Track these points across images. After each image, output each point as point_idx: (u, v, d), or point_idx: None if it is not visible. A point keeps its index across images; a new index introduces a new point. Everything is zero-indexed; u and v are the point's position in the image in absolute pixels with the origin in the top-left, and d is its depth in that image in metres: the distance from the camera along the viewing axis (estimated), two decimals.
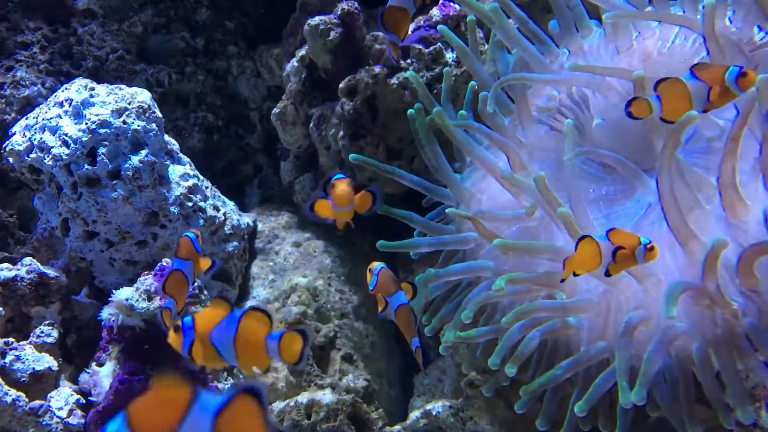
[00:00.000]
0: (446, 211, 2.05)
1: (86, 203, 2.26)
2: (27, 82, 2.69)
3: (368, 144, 2.48)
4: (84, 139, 2.24)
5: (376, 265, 1.76)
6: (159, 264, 2.14)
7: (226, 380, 2.16)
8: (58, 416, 2.02)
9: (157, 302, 2.06)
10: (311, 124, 2.62)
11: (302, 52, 2.64)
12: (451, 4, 2.48)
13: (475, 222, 1.93)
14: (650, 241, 1.52)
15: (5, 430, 1.97)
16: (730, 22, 1.89)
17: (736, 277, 1.57)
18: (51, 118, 2.28)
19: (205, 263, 1.88)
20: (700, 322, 1.62)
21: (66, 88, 2.36)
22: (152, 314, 2.05)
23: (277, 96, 2.85)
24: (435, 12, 2.50)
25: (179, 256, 1.84)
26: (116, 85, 2.37)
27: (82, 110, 2.27)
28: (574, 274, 1.58)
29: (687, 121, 1.60)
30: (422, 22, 2.51)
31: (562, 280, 1.63)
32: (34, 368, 2.06)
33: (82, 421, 2.05)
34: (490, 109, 2.08)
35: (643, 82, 1.79)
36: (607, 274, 1.56)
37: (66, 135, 2.24)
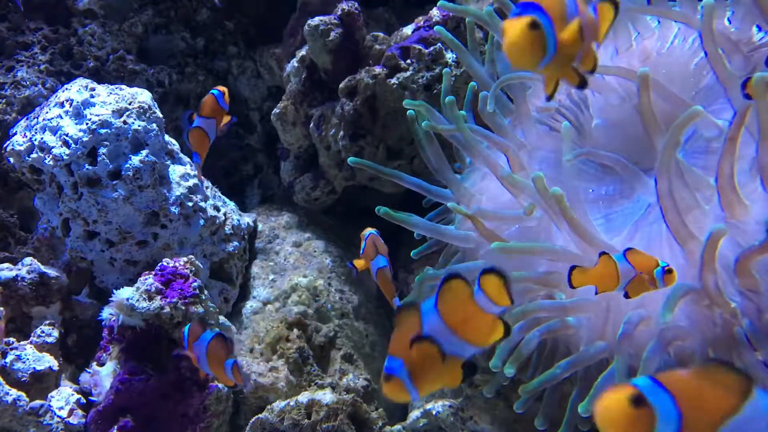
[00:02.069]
0: (448, 205, 2.05)
1: (87, 203, 2.26)
2: (27, 83, 2.69)
3: (368, 144, 2.49)
4: (84, 139, 2.24)
5: (368, 230, 1.86)
6: (159, 264, 2.14)
7: None
8: (58, 416, 2.03)
9: (157, 302, 2.06)
10: (311, 124, 2.62)
11: (302, 52, 2.65)
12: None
13: (475, 221, 1.93)
14: (667, 264, 1.49)
15: (6, 430, 1.97)
16: (729, 22, 1.89)
17: (734, 277, 1.57)
18: (52, 119, 2.29)
19: (226, 118, 2.01)
20: (699, 322, 1.62)
21: (67, 89, 2.36)
22: (153, 314, 2.06)
23: (277, 96, 2.85)
24: (435, 12, 2.49)
25: (202, 114, 1.96)
26: (117, 86, 2.37)
27: (82, 110, 2.28)
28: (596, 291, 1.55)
29: (688, 119, 1.60)
30: (422, 23, 2.51)
31: (572, 286, 1.56)
32: (34, 368, 2.06)
33: (83, 420, 2.06)
34: (490, 109, 2.07)
35: (647, 80, 1.79)
36: (627, 296, 1.52)
37: (67, 135, 2.25)
